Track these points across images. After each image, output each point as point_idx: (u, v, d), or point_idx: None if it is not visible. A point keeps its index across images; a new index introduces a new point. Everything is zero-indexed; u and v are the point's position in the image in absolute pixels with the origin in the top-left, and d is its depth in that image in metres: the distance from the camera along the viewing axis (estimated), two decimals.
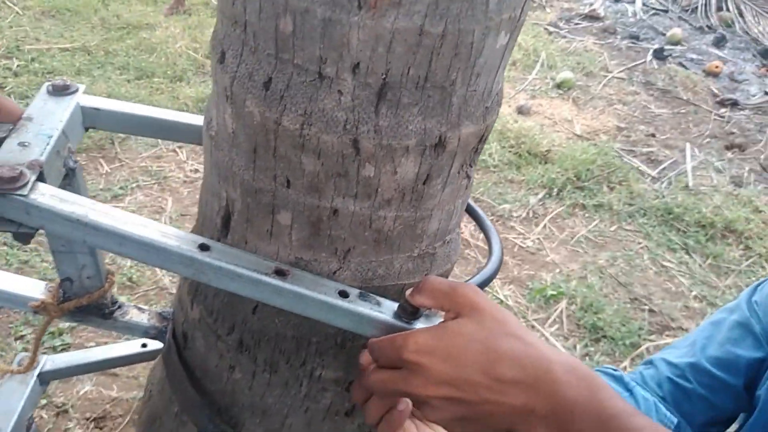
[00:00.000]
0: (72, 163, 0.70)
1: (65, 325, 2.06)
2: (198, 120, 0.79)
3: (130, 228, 0.57)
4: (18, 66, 3.40)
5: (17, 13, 3.86)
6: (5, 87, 3.20)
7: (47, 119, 0.68)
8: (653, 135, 3.88)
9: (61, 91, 0.73)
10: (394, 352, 0.56)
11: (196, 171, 2.97)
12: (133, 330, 0.85)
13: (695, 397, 0.87)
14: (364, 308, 0.60)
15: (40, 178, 0.60)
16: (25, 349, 1.92)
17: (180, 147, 3.09)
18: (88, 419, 1.83)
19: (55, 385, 1.90)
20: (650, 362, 0.95)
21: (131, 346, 1.06)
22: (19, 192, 0.56)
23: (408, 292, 0.60)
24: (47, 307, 0.76)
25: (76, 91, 0.74)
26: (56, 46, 3.67)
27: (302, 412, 0.74)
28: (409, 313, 0.60)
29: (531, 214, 3.05)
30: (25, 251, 2.33)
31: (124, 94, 3.31)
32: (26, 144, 0.63)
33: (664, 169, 3.55)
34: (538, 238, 2.91)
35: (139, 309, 0.86)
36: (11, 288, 0.81)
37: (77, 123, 0.74)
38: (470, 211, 0.83)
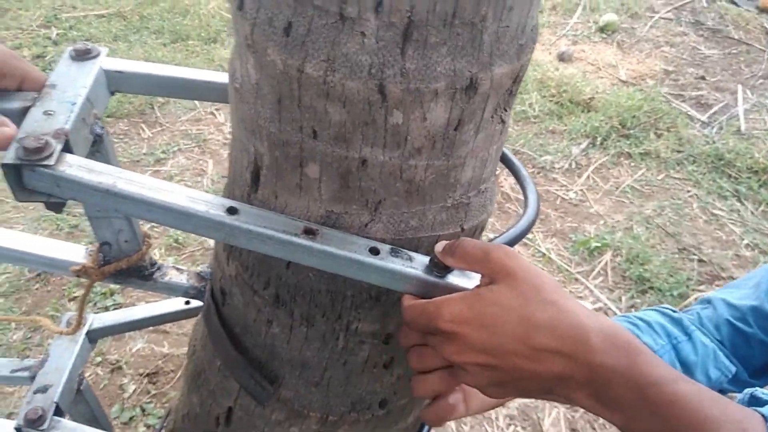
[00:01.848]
0: (99, 129, 0.69)
1: (116, 286, 2.13)
2: (224, 77, 0.77)
3: (157, 195, 0.57)
4: (57, 35, 3.44)
5: None
6: (45, 56, 3.26)
7: (70, 85, 0.67)
8: (703, 78, 3.70)
9: (83, 55, 0.71)
10: (428, 321, 0.55)
11: None
12: (173, 290, 0.86)
13: (755, 341, 0.84)
14: (396, 264, 0.59)
15: (67, 146, 0.60)
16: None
17: (218, 109, 3.10)
18: (141, 375, 1.91)
19: (109, 343, 1.98)
20: (708, 301, 0.91)
21: (175, 303, 1.09)
22: (45, 162, 0.56)
23: (439, 249, 0.58)
24: (88, 270, 0.78)
25: (98, 54, 0.72)
26: (92, 13, 3.70)
27: (341, 365, 0.75)
28: (442, 267, 0.59)
29: (574, 165, 2.97)
30: (75, 216, 2.40)
31: (161, 58, 3.33)
32: (51, 112, 0.62)
33: (714, 113, 3.40)
34: (581, 190, 2.83)
35: (178, 269, 0.86)
36: (53, 253, 0.82)
37: (102, 87, 0.73)
38: (505, 161, 0.80)
